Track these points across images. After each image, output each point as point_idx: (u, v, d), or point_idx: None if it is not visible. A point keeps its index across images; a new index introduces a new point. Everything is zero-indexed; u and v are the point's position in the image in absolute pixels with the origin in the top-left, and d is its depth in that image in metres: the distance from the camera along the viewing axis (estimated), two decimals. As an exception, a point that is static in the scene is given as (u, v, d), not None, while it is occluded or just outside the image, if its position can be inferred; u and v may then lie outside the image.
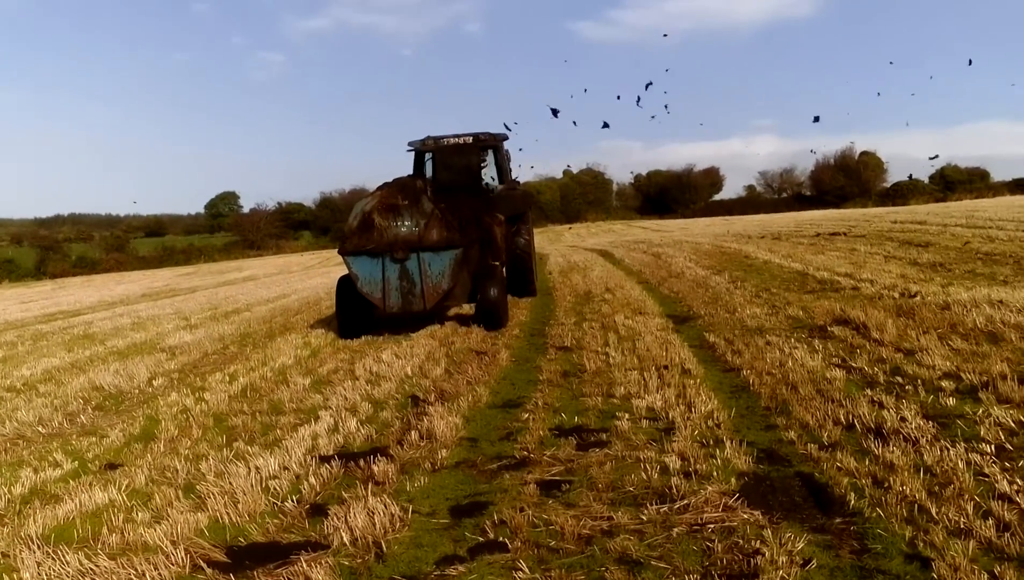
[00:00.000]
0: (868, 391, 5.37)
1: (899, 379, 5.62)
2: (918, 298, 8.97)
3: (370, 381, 6.75)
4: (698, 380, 5.96)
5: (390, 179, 9.89)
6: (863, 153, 73.86)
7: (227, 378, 7.40)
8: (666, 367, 6.45)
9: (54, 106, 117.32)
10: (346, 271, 9.52)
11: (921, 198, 64.15)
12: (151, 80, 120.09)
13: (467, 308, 11.02)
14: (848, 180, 72.04)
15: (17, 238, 67.25)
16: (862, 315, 7.95)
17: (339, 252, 9.45)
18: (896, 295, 9.38)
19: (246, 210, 74.28)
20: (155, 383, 7.57)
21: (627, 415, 5.18)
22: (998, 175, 71.05)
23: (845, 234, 20.77)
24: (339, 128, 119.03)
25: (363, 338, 9.31)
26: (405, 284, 9.19)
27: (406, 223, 9.11)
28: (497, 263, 10.35)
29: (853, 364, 6.17)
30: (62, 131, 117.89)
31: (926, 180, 71.84)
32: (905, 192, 69.24)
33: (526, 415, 5.43)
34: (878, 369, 5.94)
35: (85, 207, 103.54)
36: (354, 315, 9.62)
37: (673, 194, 72.86)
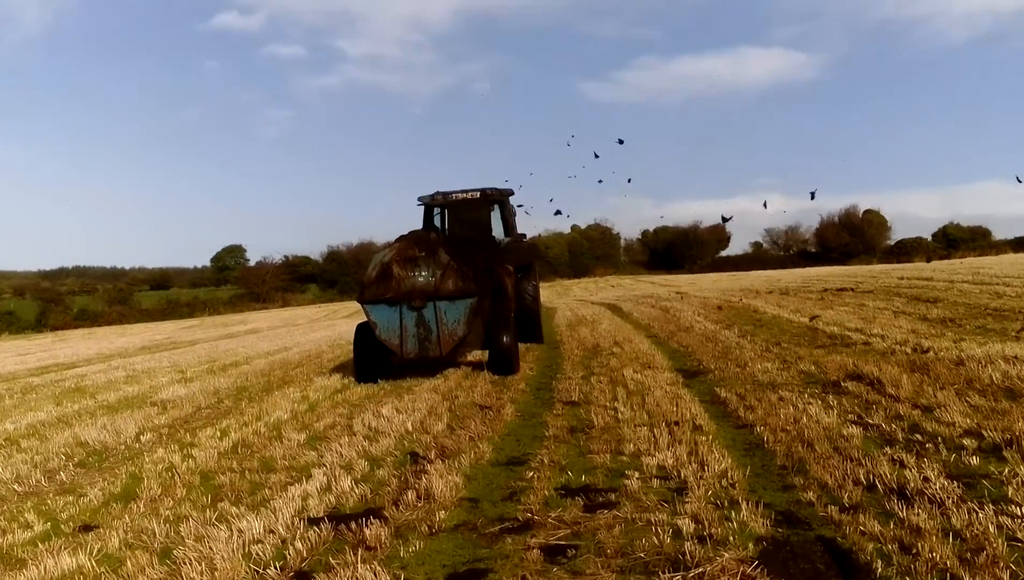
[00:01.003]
0: (887, 449, 5.11)
1: (918, 436, 5.36)
2: (931, 353, 8.73)
3: (368, 437, 6.50)
4: (710, 437, 5.70)
5: (405, 232, 10.29)
6: (867, 211, 74.37)
7: (218, 433, 7.14)
8: (677, 423, 6.19)
9: (60, 158, 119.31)
10: (359, 320, 9.77)
11: (923, 256, 64.23)
12: (160, 135, 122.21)
13: (479, 354, 11.08)
14: (853, 238, 72.29)
15: (20, 290, 67.50)
16: (876, 370, 7.71)
17: (358, 300, 9.82)
18: (908, 350, 9.14)
19: (252, 263, 74.71)
20: (143, 439, 7.31)
21: (637, 474, 4.91)
22: (999, 233, 71.51)
23: (853, 290, 20.60)
24: (347, 183, 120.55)
25: (363, 391, 9.08)
26: (422, 331, 9.58)
27: (423, 273, 9.50)
28: (508, 312, 10.69)
29: (870, 421, 5.91)
30: (67, 183, 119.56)
31: (929, 238, 72.21)
32: (909, 249, 69.42)
33: (531, 473, 5.16)
34: (896, 426, 5.68)
35: (90, 260, 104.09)
36: (371, 360, 10.01)
37: (680, 250, 73.09)
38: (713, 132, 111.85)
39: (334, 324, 28.33)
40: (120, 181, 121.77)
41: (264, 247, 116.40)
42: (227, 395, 9.65)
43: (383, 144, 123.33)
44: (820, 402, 6.70)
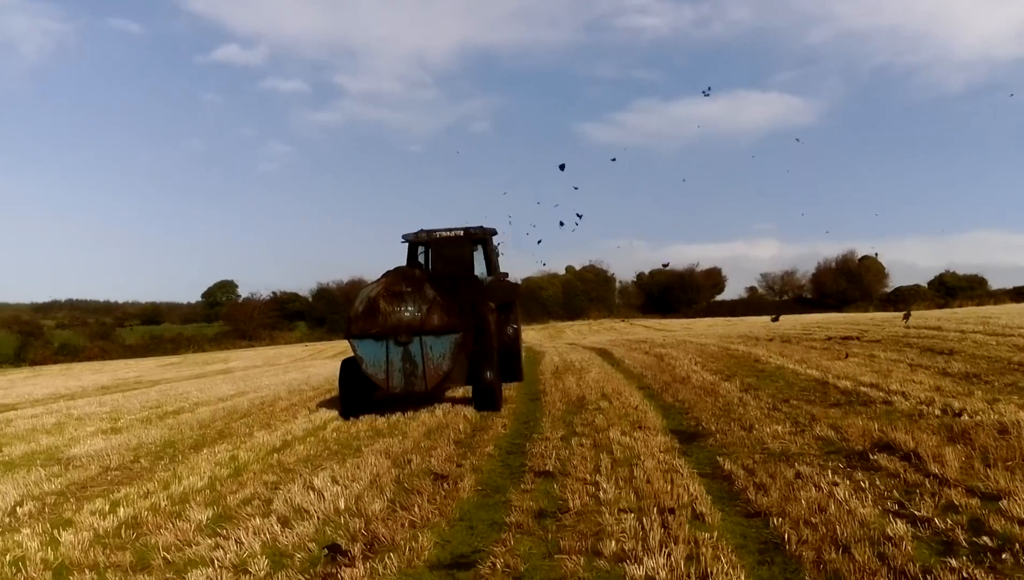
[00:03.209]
0: (951, 559, 3.86)
1: (987, 540, 4.11)
2: (965, 417, 7.51)
3: (285, 519, 5.19)
4: (715, 532, 4.43)
5: (391, 268, 10.33)
6: (864, 257, 73.68)
7: (108, 506, 5.82)
8: (672, 511, 4.91)
9: (57, 190, 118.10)
10: (344, 357, 10.08)
11: (923, 304, 63.42)
12: (159, 168, 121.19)
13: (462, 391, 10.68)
14: (850, 284, 71.54)
15: (8, 323, 65.94)
16: (908, 439, 6.48)
17: (345, 336, 9.99)
18: (937, 412, 7.91)
19: (242, 300, 73.36)
20: (20, 511, 5.98)
21: (617, 592, 3.65)
22: (995, 283, 70.83)
23: (858, 338, 19.37)
24: (341, 219, 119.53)
25: (303, 451, 7.75)
26: (408, 366, 9.69)
27: (409, 309, 9.60)
28: (491, 348, 10.79)
29: (916, 512, 4.66)
30: (63, 215, 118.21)
31: (925, 285, 71.49)
32: (907, 297, 68.61)
33: (477, 583, 3.89)
34: (952, 521, 4.43)
35: (83, 293, 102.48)
36: (356, 395, 10.11)
37: (675, 293, 72.08)
38: (710, 175, 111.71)
39: (312, 365, 27.02)
40: (117, 214, 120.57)
41: (257, 283, 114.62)
42: (148, 452, 8.32)
43: (380, 181, 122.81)
44: (848, 482, 5.45)
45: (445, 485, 6.00)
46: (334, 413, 10.52)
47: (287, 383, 16.56)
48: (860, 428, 7.28)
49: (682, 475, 5.86)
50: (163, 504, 5.78)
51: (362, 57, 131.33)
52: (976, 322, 22.68)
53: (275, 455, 7.60)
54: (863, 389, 9.99)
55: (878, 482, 5.41)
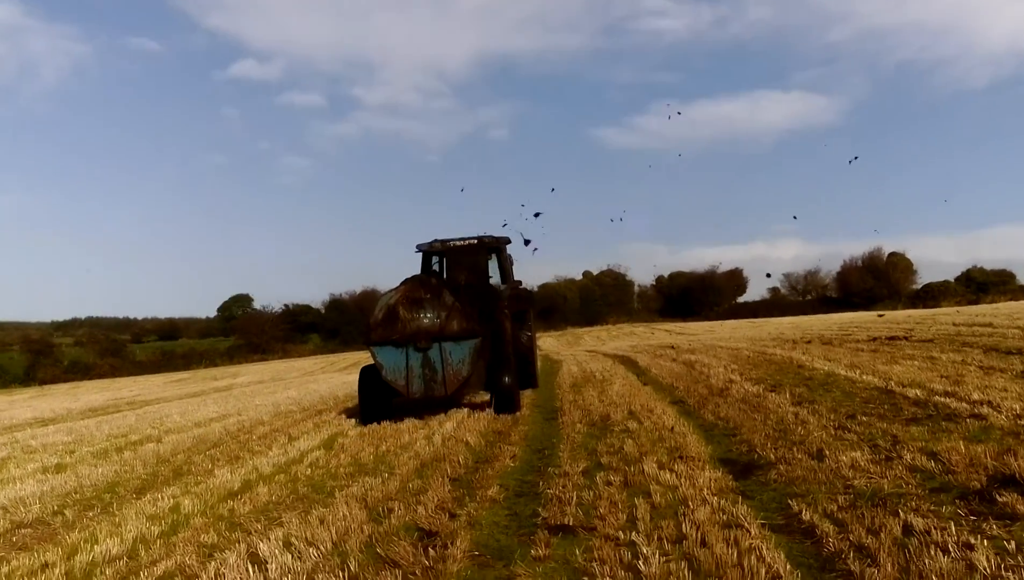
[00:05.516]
0: None
1: None
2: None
3: (202, 613, 3.73)
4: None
5: (408, 276, 10.37)
6: (891, 254, 71.34)
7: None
8: (747, 599, 3.40)
9: (77, 208, 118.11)
10: (355, 372, 10.79)
11: (953, 300, 61.30)
12: (178, 184, 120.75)
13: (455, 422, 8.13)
14: (877, 282, 69.20)
15: (18, 342, 65.28)
16: (1040, 471, 4.93)
17: (364, 342, 10.14)
18: (1047, 428, 6.34)
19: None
20: None
21: None
22: (1023, 278, 68.48)
23: (906, 338, 17.65)
24: (357, 231, 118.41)
25: (265, 497, 6.23)
26: (427, 371, 9.78)
27: (428, 315, 9.69)
28: (508, 354, 10.84)
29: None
30: (84, 233, 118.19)
31: (952, 281, 69.09)
32: (936, 294, 66.33)
33: None
34: None
35: (103, 311, 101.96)
36: (376, 402, 10.29)
37: (696, 296, 70.15)
38: (730, 177, 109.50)
39: (317, 380, 25.65)
40: (137, 230, 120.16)
41: (273, 296, 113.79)
42: (79, 500, 6.85)
43: (397, 192, 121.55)
44: (984, 540, 3.92)
45: (432, 549, 4.49)
46: (317, 440, 9.09)
47: (278, 403, 15.09)
48: (964, 455, 5.71)
49: (749, 532, 4.32)
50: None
51: (378, 69, 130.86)
52: (1028, 317, 20.91)
53: (228, 503, 6.08)
54: (939, 399, 8.40)
55: (1027, 540, 3.87)
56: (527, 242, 17.34)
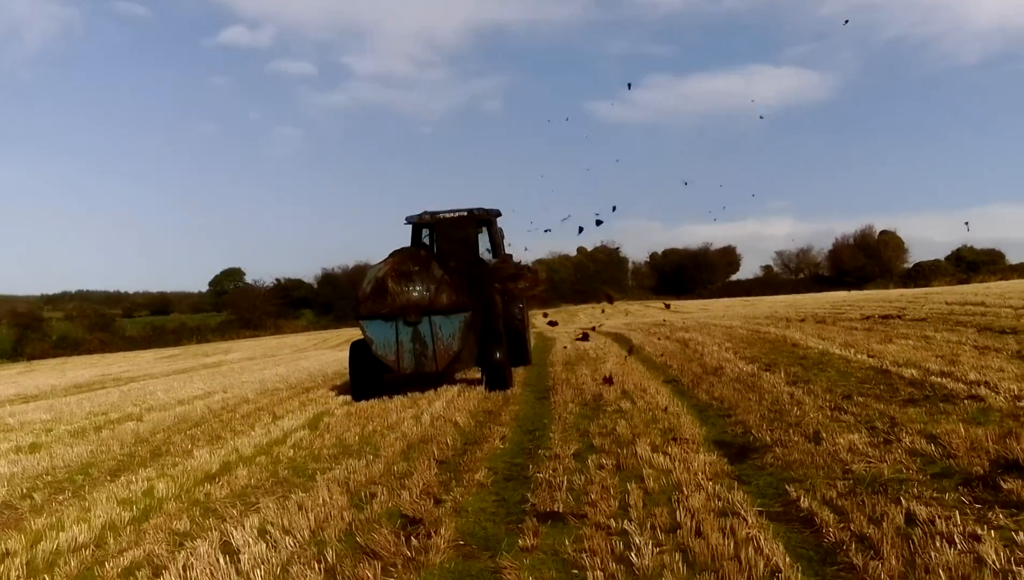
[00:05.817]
0: None
1: None
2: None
3: (168, 606, 3.54)
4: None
5: (397, 248, 10.17)
6: (883, 232, 71.22)
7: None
8: (745, 596, 3.22)
9: (65, 179, 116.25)
10: (346, 348, 10.29)
11: (944, 279, 61.36)
12: (168, 154, 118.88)
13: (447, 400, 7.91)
14: (869, 260, 69.19)
15: (4, 316, 64.62)
16: (1044, 456, 4.77)
17: (353, 316, 10.01)
18: (1048, 409, 6.19)
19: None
20: None
21: None
22: (1012, 257, 68.59)
23: (899, 317, 17.52)
24: (349, 203, 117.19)
25: (243, 480, 6.01)
26: (418, 346, 9.61)
27: (417, 288, 9.49)
28: (499, 329, 10.73)
29: None
30: (72, 205, 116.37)
31: (943, 260, 69.14)
32: (927, 273, 66.37)
33: None
34: None
35: (94, 284, 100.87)
36: (367, 379, 10.05)
37: (690, 273, 70.02)
38: (722, 153, 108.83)
39: (308, 357, 25.44)
40: (127, 202, 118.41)
41: (264, 271, 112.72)
42: (49, 482, 6.64)
43: (390, 163, 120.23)
44: (990, 531, 3.75)
45: (415, 538, 4.31)
46: (302, 419, 8.89)
47: (265, 380, 14.87)
48: (964, 438, 5.55)
49: (746, 521, 4.15)
50: (13, 576, 4.12)
51: (369, 37, 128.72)
52: (1020, 297, 20.81)
53: (205, 486, 5.87)
54: (936, 379, 8.25)
55: (1037, 531, 3.70)
56: (599, 223, 17.28)
